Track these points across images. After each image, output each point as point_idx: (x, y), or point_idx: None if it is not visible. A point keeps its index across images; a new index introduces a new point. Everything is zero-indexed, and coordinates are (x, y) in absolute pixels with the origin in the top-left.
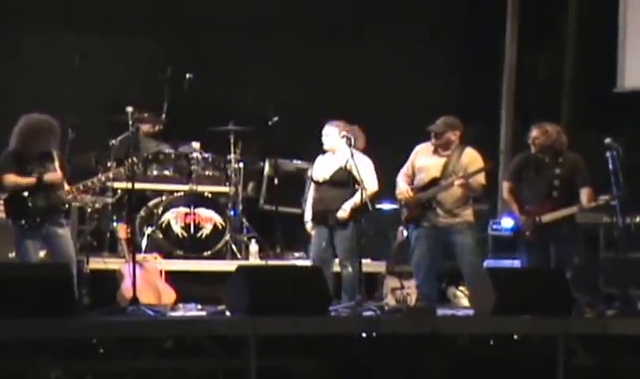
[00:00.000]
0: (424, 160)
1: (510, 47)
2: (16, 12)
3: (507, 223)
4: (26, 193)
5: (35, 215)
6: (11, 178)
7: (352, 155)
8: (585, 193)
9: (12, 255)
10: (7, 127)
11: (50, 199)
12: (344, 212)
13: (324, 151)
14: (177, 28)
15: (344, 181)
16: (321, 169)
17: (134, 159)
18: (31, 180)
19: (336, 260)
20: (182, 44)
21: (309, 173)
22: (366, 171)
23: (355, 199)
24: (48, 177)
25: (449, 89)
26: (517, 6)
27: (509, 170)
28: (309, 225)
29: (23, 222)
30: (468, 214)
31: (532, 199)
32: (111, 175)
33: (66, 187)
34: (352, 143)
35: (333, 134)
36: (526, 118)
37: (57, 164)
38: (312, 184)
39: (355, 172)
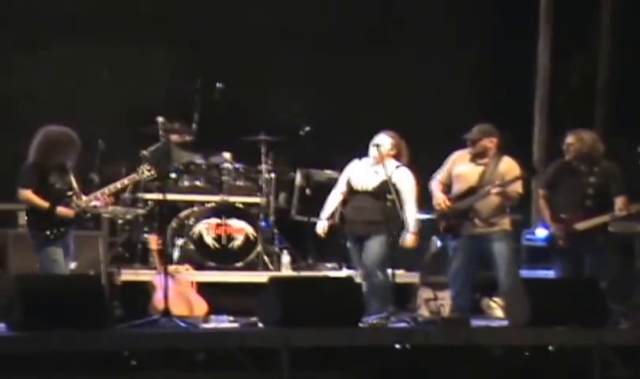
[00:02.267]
0: (461, 168)
1: (543, 55)
2: (45, 24)
3: (541, 232)
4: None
5: (60, 225)
6: (27, 195)
7: (397, 168)
8: (619, 202)
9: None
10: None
11: (72, 207)
12: (410, 242)
13: (358, 158)
14: (207, 38)
15: (384, 194)
16: (365, 178)
17: (147, 166)
18: (44, 205)
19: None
20: (212, 54)
21: (341, 178)
22: (408, 189)
23: (413, 219)
24: (60, 211)
25: (482, 97)
26: (551, 14)
27: (543, 178)
28: (323, 225)
29: (48, 232)
30: (505, 223)
31: (565, 207)
32: (126, 181)
33: (84, 198)
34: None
35: (385, 144)
36: (559, 126)
37: (72, 178)
38: (344, 188)
39: (398, 187)
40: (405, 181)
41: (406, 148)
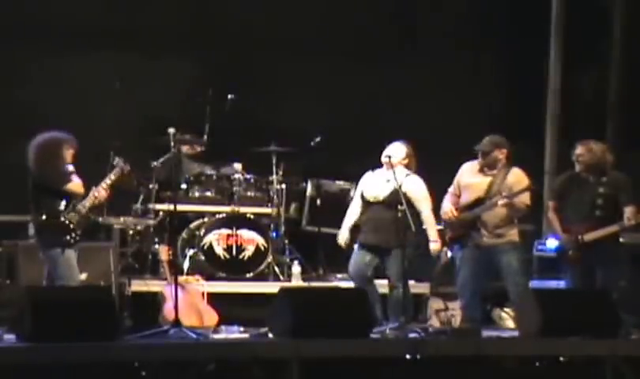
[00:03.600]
0: (469, 179)
1: (555, 68)
2: (57, 34)
3: (552, 243)
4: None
5: (76, 229)
6: (72, 187)
7: (406, 177)
8: (628, 212)
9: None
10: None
11: (78, 211)
12: (436, 247)
13: (371, 169)
14: (219, 50)
15: (398, 203)
16: (375, 188)
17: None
18: (81, 190)
19: (383, 282)
20: (223, 65)
21: (356, 190)
22: (420, 196)
23: (433, 227)
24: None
25: (493, 110)
26: (562, 27)
27: (553, 189)
28: (345, 236)
29: (67, 238)
30: (513, 234)
31: (574, 218)
32: (113, 176)
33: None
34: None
35: (398, 154)
36: (571, 138)
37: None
38: (359, 201)
39: (410, 195)
40: (416, 189)
41: (416, 160)
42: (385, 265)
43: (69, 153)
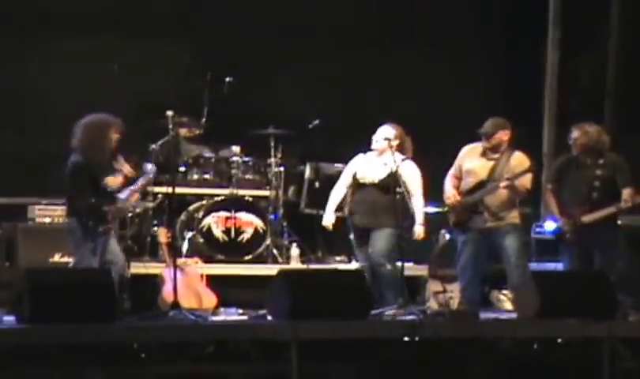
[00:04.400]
0: (472, 163)
1: (552, 52)
2: (53, 18)
3: (550, 226)
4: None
5: (105, 217)
6: (111, 181)
7: (402, 161)
8: (625, 193)
9: (52, 260)
10: (46, 131)
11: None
12: (420, 233)
13: (365, 152)
14: (217, 34)
15: (392, 187)
16: (370, 171)
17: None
18: (118, 180)
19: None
20: (223, 49)
21: (344, 172)
22: (414, 181)
23: (421, 212)
24: (109, 180)
25: (491, 93)
26: (559, 13)
27: (550, 173)
28: (330, 218)
29: (91, 223)
30: (514, 216)
31: (572, 200)
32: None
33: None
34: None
35: (388, 136)
36: (568, 121)
37: (122, 161)
38: (350, 182)
39: (405, 179)
40: (411, 173)
41: (410, 143)
42: (370, 245)
43: (115, 137)
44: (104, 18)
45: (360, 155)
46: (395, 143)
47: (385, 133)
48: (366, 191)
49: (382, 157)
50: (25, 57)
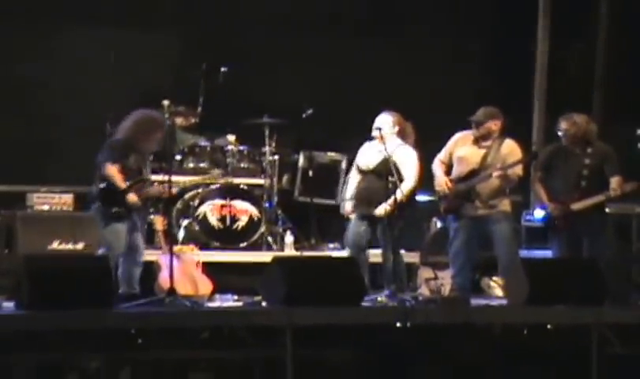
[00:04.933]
0: (463, 151)
1: (542, 42)
2: (50, 7)
3: (539, 213)
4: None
5: (128, 207)
6: (112, 170)
7: (398, 147)
8: (613, 182)
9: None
10: (44, 121)
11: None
12: (381, 210)
13: (362, 141)
14: (210, 22)
15: (389, 173)
16: (367, 157)
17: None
18: (121, 185)
19: (377, 251)
20: (217, 39)
21: (356, 160)
22: (408, 165)
23: (399, 196)
24: (130, 198)
25: (482, 83)
26: (549, 2)
27: (538, 161)
28: (348, 206)
29: (114, 210)
30: (505, 204)
31: (561, 189)
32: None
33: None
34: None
35: (386, 124)
36: (558, 111)
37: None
38: (356, 170)
39: (398, 165)
40: (405, 158)
41: (412, 129)
42: (377, 234)
43: (159, 137)
44: (103, 7)
45: (366, 144)
46: (395, 130)
47: (378, 122)
48: (366, 178)
49: (380, 144)
50: (24, 45)
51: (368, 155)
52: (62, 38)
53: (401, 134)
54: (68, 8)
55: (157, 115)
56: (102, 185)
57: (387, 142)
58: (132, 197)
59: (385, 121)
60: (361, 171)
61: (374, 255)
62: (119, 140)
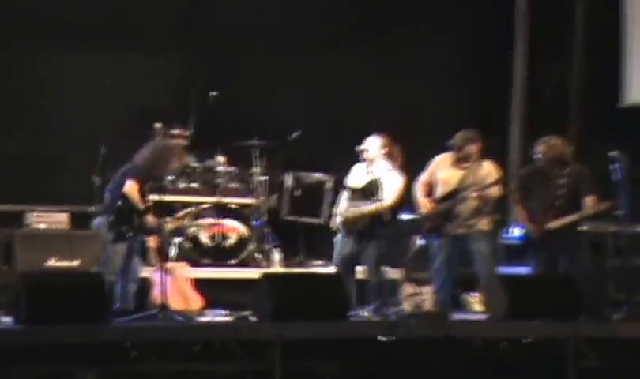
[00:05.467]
0: (444, 173)
1: (520, 60)
2: (47, 30)
3: (517, 231)
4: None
5: (135, 227)
6: (134, 189)
7: (388, 171)
8: (588, 201)
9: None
10: (43, 142)
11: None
12: (349, 213)
13: (349, 161)
14: (202, 47)
15: (368, 194)
16: (355, 178)
17: None
18: (140, 206)
19: (362, 268)
20: (207, 63)
21: (346, 180)
22: (389, 185)
23: (366, 208)
24: (149, 220)
25: (459, 101)
26: (527, 20)
27: (515, 182)
28: (337, 221)
29: (124, 228)
30: (483, 223)
31: (538, 208)
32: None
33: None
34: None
35: (374, 146)
36: (535, 132)
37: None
38: (347, 189)
39: (383, 188)
40: (389, 184)
41: (399, 152)
42: (363, 252)
43: (175, 165)
44: (95, 30)
45: (356, 165)
46: (383, 152)
47: (366, 144)
48: (353, 197)
49: (369, 166)
50: (23, 65)
51: (357, 176)
52: (56, 60)
53: (389, 156)
54: (61, 29)
55: (174, 145)
56: (120, 202)
57: (375, 164)
58: (151, 219)
59: (373, 144)
60: (350, 190)
61: (360, 272)
62: (140, 165)
